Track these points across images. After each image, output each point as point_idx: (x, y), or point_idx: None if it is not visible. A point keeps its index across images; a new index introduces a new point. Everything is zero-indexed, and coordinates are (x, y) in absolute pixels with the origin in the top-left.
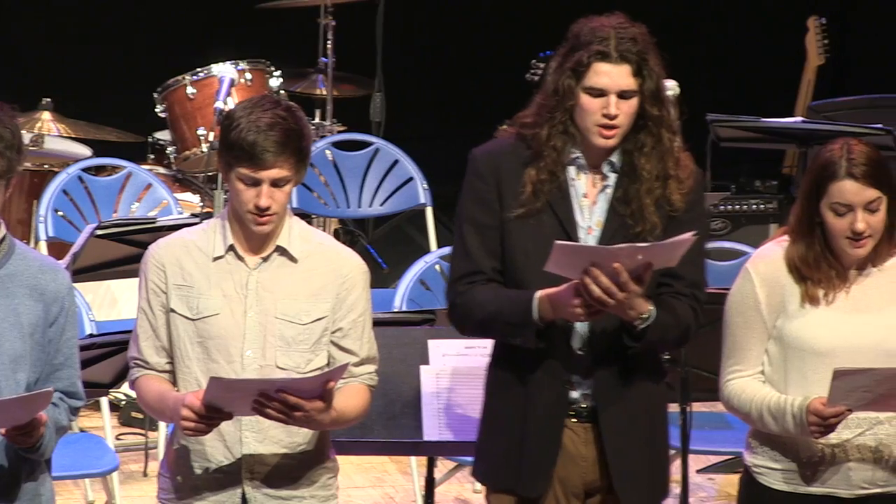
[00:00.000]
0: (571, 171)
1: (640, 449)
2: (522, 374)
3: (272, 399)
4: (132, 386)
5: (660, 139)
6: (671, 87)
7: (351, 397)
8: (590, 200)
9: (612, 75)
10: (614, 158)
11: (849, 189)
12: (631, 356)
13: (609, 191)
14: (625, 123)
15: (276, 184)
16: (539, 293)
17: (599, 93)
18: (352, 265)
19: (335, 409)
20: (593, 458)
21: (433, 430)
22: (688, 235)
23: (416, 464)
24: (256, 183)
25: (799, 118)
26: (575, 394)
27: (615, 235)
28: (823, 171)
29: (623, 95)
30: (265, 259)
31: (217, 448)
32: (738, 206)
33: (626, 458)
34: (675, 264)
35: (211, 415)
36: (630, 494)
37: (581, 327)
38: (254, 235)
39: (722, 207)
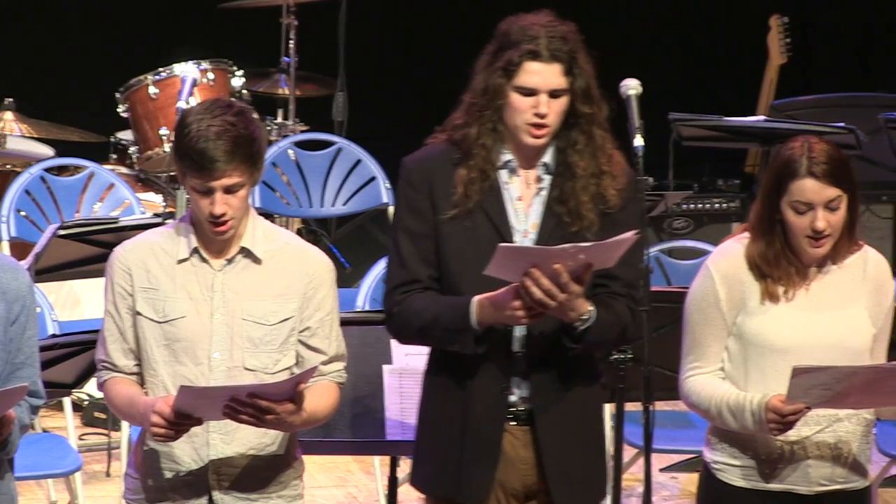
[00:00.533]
0: (503, 174)
1: (577, 451)
2: (461, 380)
3: (244, 404)
4: (101, 388)
5: (592, 136)
6: (633, 86)
7: (321, 396)
8: (524, 203)
9: (544, 74)
10: (548, 159)
11: (809, 188)
12: (568, 358)
13: (544, 193)
14: (555, 122)
15: (229, 190)
16: (476, 298)
17: (530, 92)
18: (318, 263)
19: (306, 410)
20: (532, 461)
21: (396, 429)
22: (629, 234)
23: (379, 463)
24: (209, 191)
25: (761, 117)
26: (513, 397)
27: (552, 236)
28: (784, 170)
29: (554, 94)
30: (230, 261)
31: (185, 450)
32: (700, 205)
33: (562, 461)
34: (612, 265)
35: (181, 421)
36: (566, 497)
37: (519, 330)
38: (215, 238)
39: (685, 206)
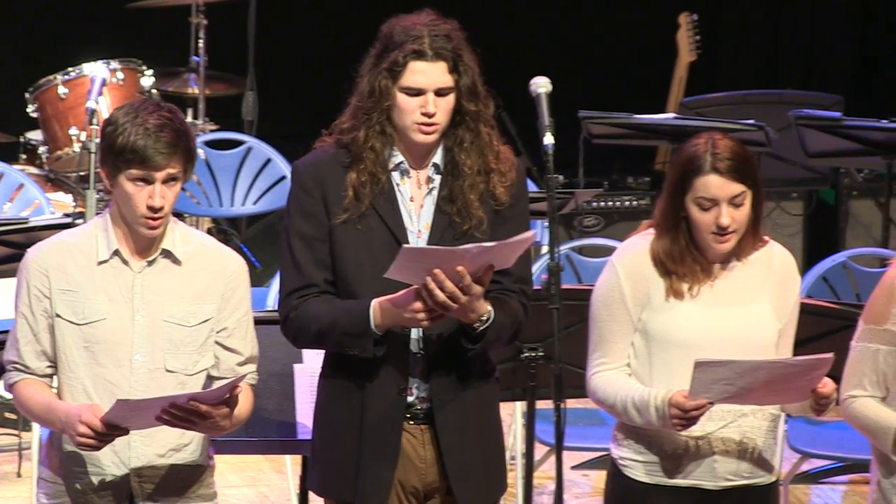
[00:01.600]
0: (395, 176)
1: (475, 447)
2: (359, 382)
3: (183, 409)
4: (9, 390)
5: (478, 134)
6: (543, 84)
7: (242, 398)
8: (416, 204)
9: (429, 73)
10: (437, 160)
11: (713, 183)
12: (465, 356)
13: (435, 192)
14: (443, 120)
15: (167, 182)
16: (375, 301)
17: (417, 92)
18: (235, 264)
19: (233, 414)
20: (432, 459)
21: (307, 428)
22: (529, 234)
23: (291, 462)
24: (150, 182)
25: (671, 115)
26: (411, 397)
27: (444, 235)
28: (688, 166)
29: (440, 93)
30: (150, 263)
31: (105, 453)
32: (610, 203)
33: (461, 457)
34: (511, 264)
35: (109, 432)
36: (466, 493)
37: (416, 331)
38: (141, 239)
39: (595, 204)
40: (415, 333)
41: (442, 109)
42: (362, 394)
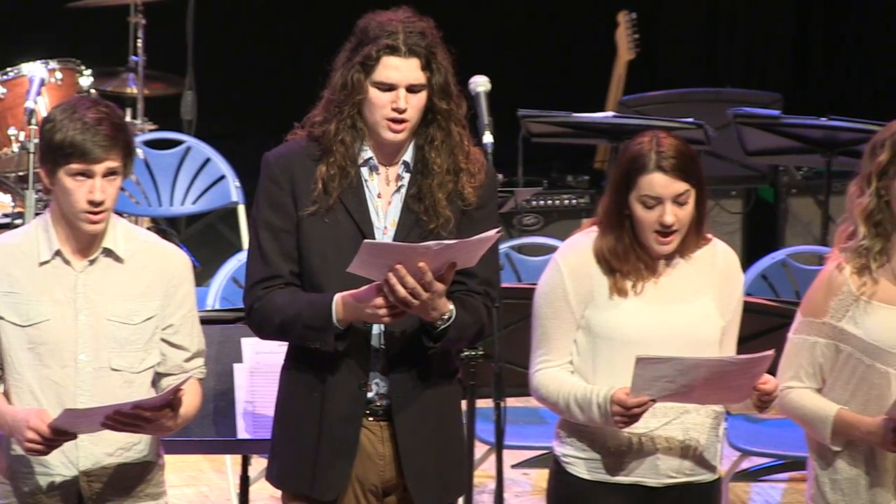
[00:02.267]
0: (364, 171)
1: (435, 447)
2: (320, 376)
3: (128, 415)
4: None
5: (449, 133)
6: (482, 83)
7: (189, 395)
8: (384, 200)
9: (402, 69)
10: (408, 157)
11: (658, 182)
12: (426, 355)
13: (404, 190)
14: (414, 117)
15: (107, 176)
16: (338, 295)
17: (389, 87)
18: (178, 261)
19: (180, 414)
20: (390, 457)
21: (247, 428)
22: (492, 233)
23: (231, 462)
24: (90, 176)
25: (610, 113)
26: (371, 393)
27: (410, 233)
28: (632, 164)
29: (412, 89)
30: (92, 262)
31: (53, 453)
32: (550, 202)
33: (419, 456)
34: (474, 263)
35: (56, 437)
36: (423, 493)
37: (378, 327)
38: (82, 237)
39: (534, 203)
40: (376, 329)
41: (413, 106)
42: (323, 387)
